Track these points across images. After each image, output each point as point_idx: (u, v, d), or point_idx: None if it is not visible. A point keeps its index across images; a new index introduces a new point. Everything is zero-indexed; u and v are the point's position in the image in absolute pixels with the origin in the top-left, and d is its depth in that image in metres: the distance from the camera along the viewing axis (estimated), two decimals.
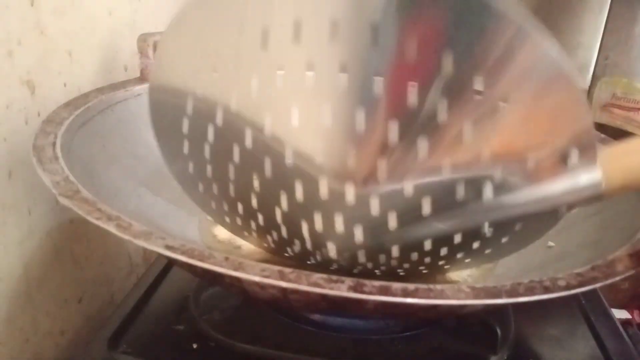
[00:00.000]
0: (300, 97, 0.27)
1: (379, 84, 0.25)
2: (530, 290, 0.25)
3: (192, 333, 0.38)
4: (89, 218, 0.27)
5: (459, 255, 0.33)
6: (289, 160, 0.27)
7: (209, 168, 0.31)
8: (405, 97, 0.25)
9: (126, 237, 0.26)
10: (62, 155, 0.33)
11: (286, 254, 0.36)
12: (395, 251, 0.30)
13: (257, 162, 0.28)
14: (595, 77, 0.96)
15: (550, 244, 0.41)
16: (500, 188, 0.27)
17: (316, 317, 0.38)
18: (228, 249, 0.43)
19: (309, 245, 0.31)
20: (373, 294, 0.24)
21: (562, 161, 0.26)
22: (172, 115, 0.31)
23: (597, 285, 0.27)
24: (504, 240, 0.31)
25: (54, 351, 0.46)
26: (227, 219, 0.36)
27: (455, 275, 0.42)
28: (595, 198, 0.27)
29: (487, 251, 0.33)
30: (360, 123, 0.26)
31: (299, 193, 0.28)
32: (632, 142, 0.27)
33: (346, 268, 0.33)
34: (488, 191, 0.27)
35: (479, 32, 0.25)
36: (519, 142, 0.27)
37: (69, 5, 0.43)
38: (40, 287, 0.43)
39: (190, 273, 0.36)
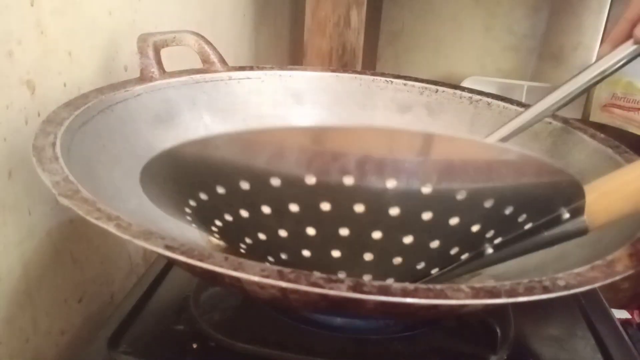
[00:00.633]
0: None
1: None
2: (530, 290, 0.25)
3: (192, 333, 0.38)
4: (89, 218, 0.27)
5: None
6: None
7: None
8: None
9: (126, 237, 0.26)
10: (62, 155, 0.33)
11: None
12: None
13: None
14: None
15: None
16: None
17: (316, 317, 0.38)
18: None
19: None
20: (373, 293, 0.24)
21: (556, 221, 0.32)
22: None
23: (597, 285, 0.27)
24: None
25: (54, 351, 0.46)
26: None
27: None
28: (581, 234, 0.32)
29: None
30: None
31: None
32: (609, 181, 0.32)
33: None
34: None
35: None
36: None
37: (69, 5, 0.43)
38: (40, 287, 0.43)
39: (190, 273, 0.36)
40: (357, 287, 0.24)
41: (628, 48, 0.41)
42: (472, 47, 1.24)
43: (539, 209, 0.31)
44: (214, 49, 0.53)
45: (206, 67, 0.54)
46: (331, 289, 0.24)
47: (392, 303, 0.24)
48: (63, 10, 0.42)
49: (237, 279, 0.25)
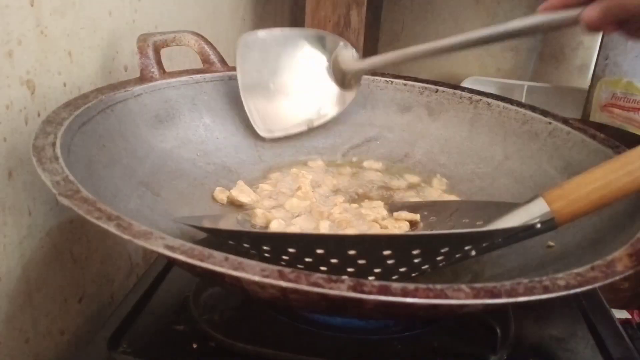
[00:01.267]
0: None
1: None
2: (530, 290, 0.25)
3: (192, 333, 0.38)
4: (89, 218, 0.27)
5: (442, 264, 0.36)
6: None
7: None
8: None
9: (126, 237, 0.26)
10: (62, 155, 0.33)
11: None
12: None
13: None
14: (595, 77, 0.96)
15: (550, 243, 0.41)
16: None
17: (316, 317, 0.38)
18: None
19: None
20: (373, 293, 0.24)
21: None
22: None
23: (597, 285, 0.27)
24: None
25: (54, 351, 0.46)
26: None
27: None
28: (548, 217, 0.35)
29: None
30: None
31: None
32: (575, 180, 0.36)
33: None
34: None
35: None
36: None
37: (69, 5, 0.43)
38: (40, 287, 0.43)
39: (190, 273, 0.36)
40: (358, 287, 0.24)
41: (568, 14, 0.41)
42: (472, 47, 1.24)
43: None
44: (214, 49, 0.53)
45: (206, 67, 0.54)
46: (331, 288, 0.24)
47: (392, 303, 0.24)
48: (63, 10, 0.42)
49: (237, 279, 0.25)
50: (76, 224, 0.47)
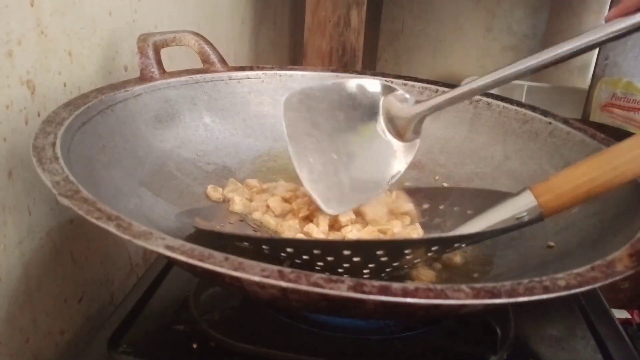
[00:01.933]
0: None
1: None
2: (530, 290, 0.25)
3: (192, 333, 0.38)
4: (89, 218, 0.27)
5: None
6: None
7: None
8: None
9: (126, 237, 0.26)
10: (62, 155, 0.33)
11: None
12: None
13: None
14: (595, 77, 0.96)
15: (550, 243, 0.41)
16: None
17: (316, 317, 0.38)
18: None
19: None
20: (373, 293, 0.24)
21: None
22: None
23: (597, 285, 0.27)
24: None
25: (54, 351, 0.46)
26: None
27: None
28: (535, 210, 0.37)
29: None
30: None
31: None
32: (562, 174, 0.37)
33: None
34: None
35: None
36: None
37: (69, 5, 0.43)
38: (40, 287, 0.43)
39: (190, 273, 0.36)
40: (358, 287, 0.24)
41: (634, 18, 0.41)
42: (472, 47, 1.24)
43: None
44: (214, 48, 0.53)
45: (206, 67, 0.54)
46: (331, 289, 0.24)
47: (393, 303, 0.24)
48: (63, 10, 0.42)
49: (238, 279, 0.25)
50: (76, 224, 0.47)
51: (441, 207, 0.45)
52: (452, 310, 0.34)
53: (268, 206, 0.46)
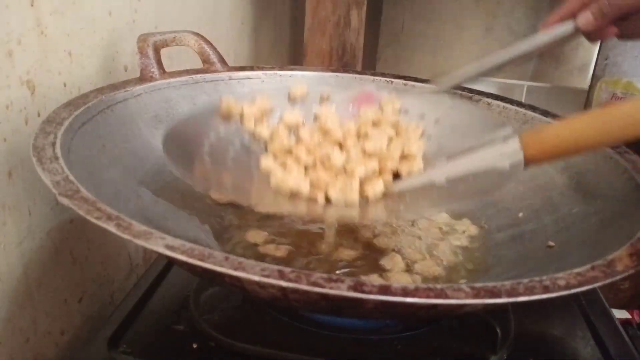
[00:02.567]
0: None
1: None
2: (530, 290, 0.25)
3: (192, 333, 0.38)
4: (89, 218, 0.27)
5: None
6: None
7: None
8: None
9: (126, 237, 0.26)
10: (62, 155, 0.33)
11: None
12: None
13: None
14: (595, 77, 0.96)
15: (551, 243, 0.41)
16: None
17: (316, 317, 0.38)
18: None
19: None
20: (373, 293, 0.24)
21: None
22: None
23: (597, 285, 0.27)
24: (461, 188, 0.39)
25: (54, 351, 0.46)
26: None
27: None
28: (519, 163, 0.36)
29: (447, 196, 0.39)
30: None
31: None
32: (554, 127, 0.37)
33: None
34: None
35: None
36: None
37: (69, 5, 0.43)
38: (40, 287, 0.43)
39: (190, 273, 0.36)
40: (358, 287, 0.24)
41: (566, 26, 0.43)
42: (472, 48, 1.24)
43: None
44: (214, 49, 0.53)
45: (206, 67, 0.53)
46: (331, 288, 0.24)
47: (393, 303, 0.24)
48: (63, 10, 0.42)
49: (238, 279, 0.25)
50: (76, 224, 0.47)
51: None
52: (452, 310, 0.34)
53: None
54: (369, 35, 1.03)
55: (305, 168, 0.43)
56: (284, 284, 0.24)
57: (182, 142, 0.41)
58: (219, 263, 0.25)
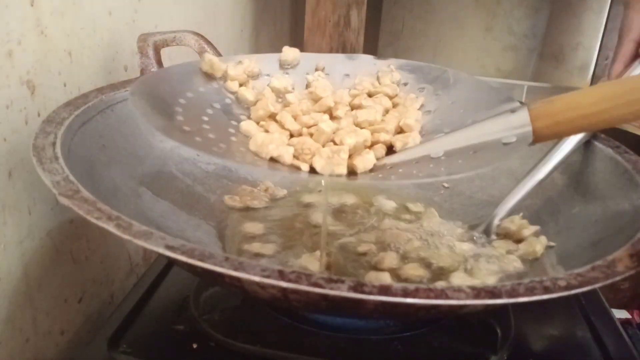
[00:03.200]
0: None
1: None
2: (530, 290, 0.25)
3: (192, 333, 0.38)
4: (89, 218, 0.27)
5: None
6: None
7: None
8: None
9: (126, 237, 0.26)
10: (62, 155, 0.33)
11: None
12: None
13: None
14: (595, 77, 0.96)
15: (551, 244, 0.41)
16: None
17: (316, 317, 0.38)
18: None
19: None
20: (373, 294, 0.24)
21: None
22: None
23: (597, 285, 0.27)
24: (460, 161, 0.35)
25: (54, 351, 0.46)
26: None
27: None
28: (527, 135, 0.33)
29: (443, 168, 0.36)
30: None
31: None
32: (565, 98, 0.33)
33: None
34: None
35: None
36: None
37: (69, 5, 0.43)
38: (40, 287, 0.43)
39: (190, 273, 0.36)
40: (358, 288, 0.24)
41: (637, 66, 0.43)
42: (472, 47, 1.24)
43: None
44: (214, 49, 0.53)
45: None
46: (332, 289, 0.24)
47: (393, 303, 0.24)
48: (63, 10, 0.42)
49: (238, 279, 0.25)
50: (76, 224, 0.47)
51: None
52: (452, 310, 0.34)
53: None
54: (369, 35, 1.03)
55: (291, 135, 0.40)
56: (284, 284, 0.24)
57: (154, 97, 0.38)
58: (219, 263, 0.25)
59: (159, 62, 0.49)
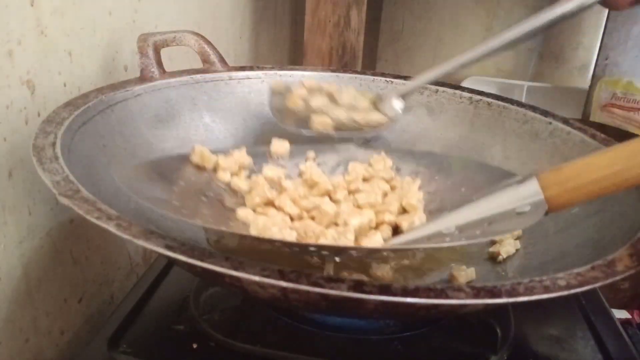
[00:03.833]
0: None
1: None
2: (530, 290, 0.25)
3: (192, 333, 0.38)
4: (89, 218, 0.27)
5: None
6: None
7: None
8: None
9: (126, 237, 0.26)
10: (62, 155, 0.33)
11: None
12: None
13: None
14: (595, 77, 0.96)
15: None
16: None
17: (316, 317, 0.38)
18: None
19: None
20: (373, 293, 0.24)
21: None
22: None
23: (597, 285, 0.27)
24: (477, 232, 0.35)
25: (54, 351, 0.46)
26: None
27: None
28: (540, 203, 0.33)
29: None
30: None
31: None
32: (574, 165, 0.33)
33: None
34: None
35: None
36: None
37: (69, 5, 0.43)
38: (40, 287, 0.43)
39: (190, 273, 0.36)
40: (358, 287, 0.24)
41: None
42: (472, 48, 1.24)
43: None
44: (214, 49, 0.53)
45: (206, 67, 0.53)
46: (332, 288, 0.24)
47: (393, 303, 0.24)
48: (63, 10, 0.42)
49: (238, 279, 0.25)
50: (76, 224, 0.47)
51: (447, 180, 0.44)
52: (452, 310, 0.34)
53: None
54: (369, 35, 1.04)
55: (291, 219, 0.40)
56: (284, 284, 0.24)
57: (149, 185, 0.40)
58: (219, 263, 0.25)
59: (159, 62, 0.49)
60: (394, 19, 1.28)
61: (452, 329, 0.40)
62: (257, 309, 0.40)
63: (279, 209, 0.41)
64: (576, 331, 0.42)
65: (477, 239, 0.34)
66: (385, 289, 0.24)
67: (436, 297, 0.24)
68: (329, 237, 0.36)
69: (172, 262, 0.41)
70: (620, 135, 0.42)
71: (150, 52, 0.48)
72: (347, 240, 0.36)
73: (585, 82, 1.13)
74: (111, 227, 0.27)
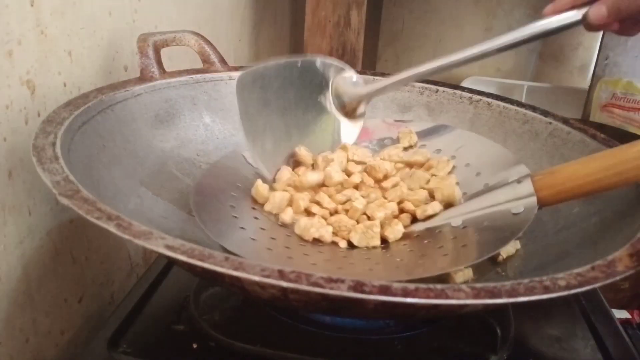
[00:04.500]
0: None
1: None
2: (530, 290, 0.25)
3: (192, 333, 0.38)
4: (89, 218, 0.27)
5: None
6: None
7: None
8: None
9: (126, 237, 0.26)
10: (62, 155, 0.33)
11: None
12: None
13: None
14: (595, 77, 0.96)
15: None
16: None
17: (316, 317, 0.38)
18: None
19: None
20: (373, 293, 0.24)
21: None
22: None
23: (597, 285, 0.27)
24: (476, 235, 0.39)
25: (54, 351, 0.46)
26: None
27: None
28: (532, 206, 0.38)
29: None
30: None
31: None
32: (567, 168, 0.38)
33: None
34: None
35: None
36: None
37: (69, 5, 0.43)
38: (40, 287, 0.43)
39: (190, 273, 0.36)
40: (358, 287, 0.24)
41: (573, 15, 0.42)
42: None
43: None
44: (214, 49, 0.53)
45: (206, 67, 0.53)
46: (332, 288, 0.24)
47: (393, 303, 0.24)
48: (63, 10, 0.42)
49: (238, 279, 0.25)
50: (76, 224, 0.47)
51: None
52: (452, 310, 0.33)
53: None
54: (369, 35, 1.04)
55: (330, 214, 0.44)
56: (284, 284, 0.24)
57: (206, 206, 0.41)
58: (219, 263, 0.25)
59: (159, 62, 0.49)
60: (394, 19, 1.28)
61: (452, 329, 0.40)
62: (257, 309, 0.40)
63: (319, 204, 0.44)
64: (576, 331, 0.42)
65: (485, 256, 0.36)
66: (385, 289, 0.24)
67: (436, 297, 0.24)
68: (358, 231, 0.41)
69: (172, 262, 0.41)
70: (620, 135, 0.42)
71: (150, 52, 0.48)
72: (374, 234, 0.40)
73: (585, 82, 1.13)
74: (111, 227, 0.27)
